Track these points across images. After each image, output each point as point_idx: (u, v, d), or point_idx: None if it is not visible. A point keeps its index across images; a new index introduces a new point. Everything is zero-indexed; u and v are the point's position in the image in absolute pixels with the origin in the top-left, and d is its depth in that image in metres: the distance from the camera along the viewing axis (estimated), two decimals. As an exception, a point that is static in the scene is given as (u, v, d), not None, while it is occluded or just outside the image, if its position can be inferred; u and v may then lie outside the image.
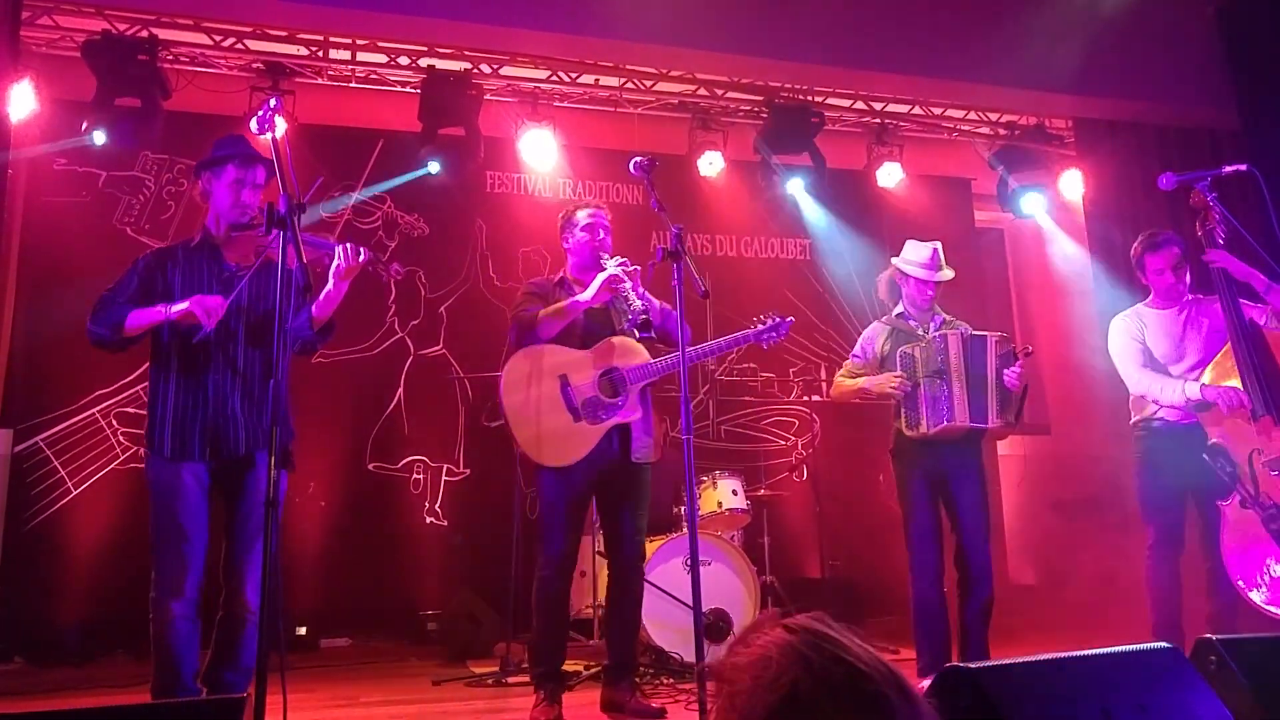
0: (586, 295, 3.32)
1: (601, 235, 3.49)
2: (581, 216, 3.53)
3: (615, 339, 3.41)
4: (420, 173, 5.78)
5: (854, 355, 3.88)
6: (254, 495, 2.71)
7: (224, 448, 2.74)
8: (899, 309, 3.84)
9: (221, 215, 2.88)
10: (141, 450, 5.21)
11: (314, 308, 2.88)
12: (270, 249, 2.69)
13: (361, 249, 2.83)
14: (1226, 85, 5.99)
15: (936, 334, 3.64)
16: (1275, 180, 3.21)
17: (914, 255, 3.79)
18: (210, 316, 2.66)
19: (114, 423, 5.28)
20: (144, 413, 5.18)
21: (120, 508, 5.12)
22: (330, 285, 2.85)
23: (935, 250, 3.78)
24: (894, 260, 3.85)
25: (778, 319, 3.47)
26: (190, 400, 2.74)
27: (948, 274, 3.79)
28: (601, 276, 3.31)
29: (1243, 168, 3.23)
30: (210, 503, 2.76)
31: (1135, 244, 3.83)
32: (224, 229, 2.87)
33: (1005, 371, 3.56)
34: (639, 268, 3.35)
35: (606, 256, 3.41)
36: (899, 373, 3.62)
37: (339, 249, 2.81)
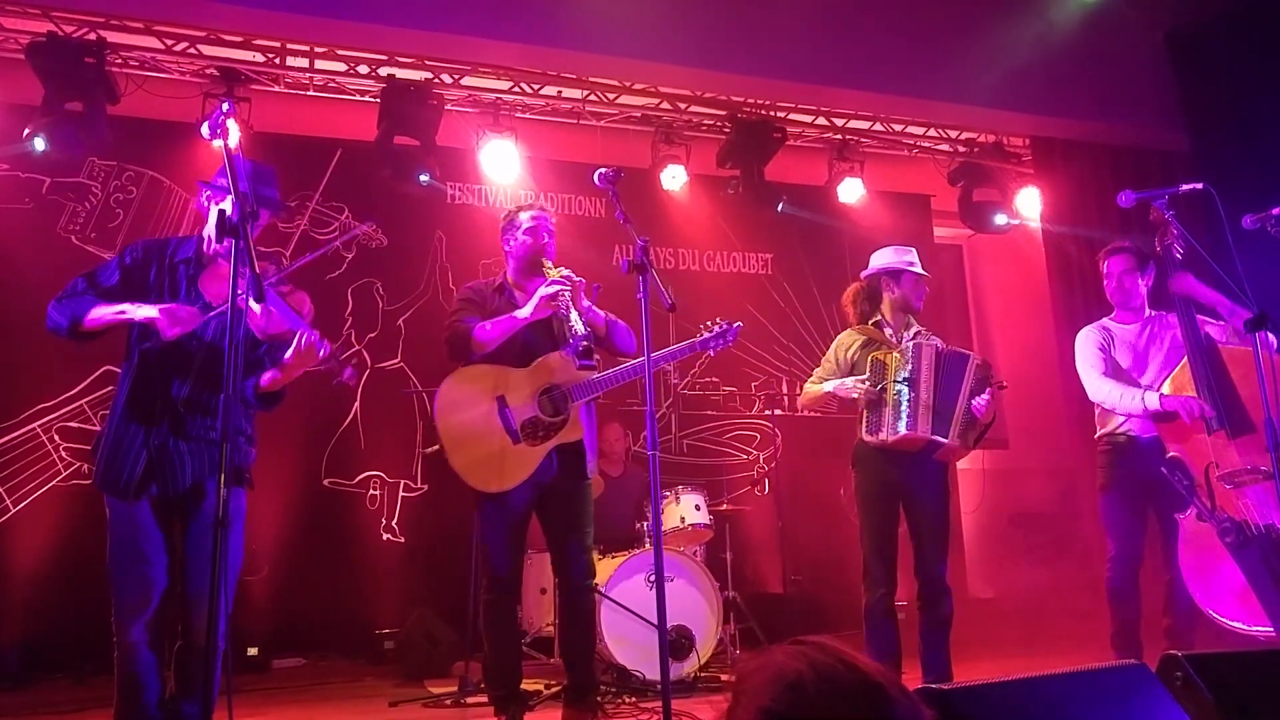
0: (525, 312, 3.19)
1: (545, 239, 3.34)
2: (524, 219, 3.37)
3: (555, 354, 3.26)
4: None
5: (824, 361, 3.86)
6: (207, 518, 2.56)
7: (169, 485, 2.62)
8: (876, 317, 3.81)
9: (215, 240, 2.66)
10: (85, 466, 5.08)
11: (263, 377, 2.71)
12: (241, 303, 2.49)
13: (324, 345, 2.62)
14: (1176, 108, 6.16)
15: (911, 342, 3.63)
16: (1227, 199, 3.27)
17: (905, 255, 3.76)
18: (174, 328, 2.52)
19: (55, 438, 5.09)
20: (88, 427, 5.10)
21: (62, 526, 4.93)
22: (288, 359, 2.65)
23: (905, 250, 3.79)
24: (887, 262, 3.77)
25: (725, 325, 3.37)
26: (133, 433, 2.62)
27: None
28: (541, 292, 3.17)
29: (1199, 186, 3.29)
30: (164, 528, 2.64)
31: None
32: (213, 250, 2.70)
33: (977, 397, 3.54)
34: (583, 280, 3.21)
35: (550, 264, 3.26)
36: (865, 377, 3.61)
37: (300, 336, 2.60)
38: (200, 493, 2.66)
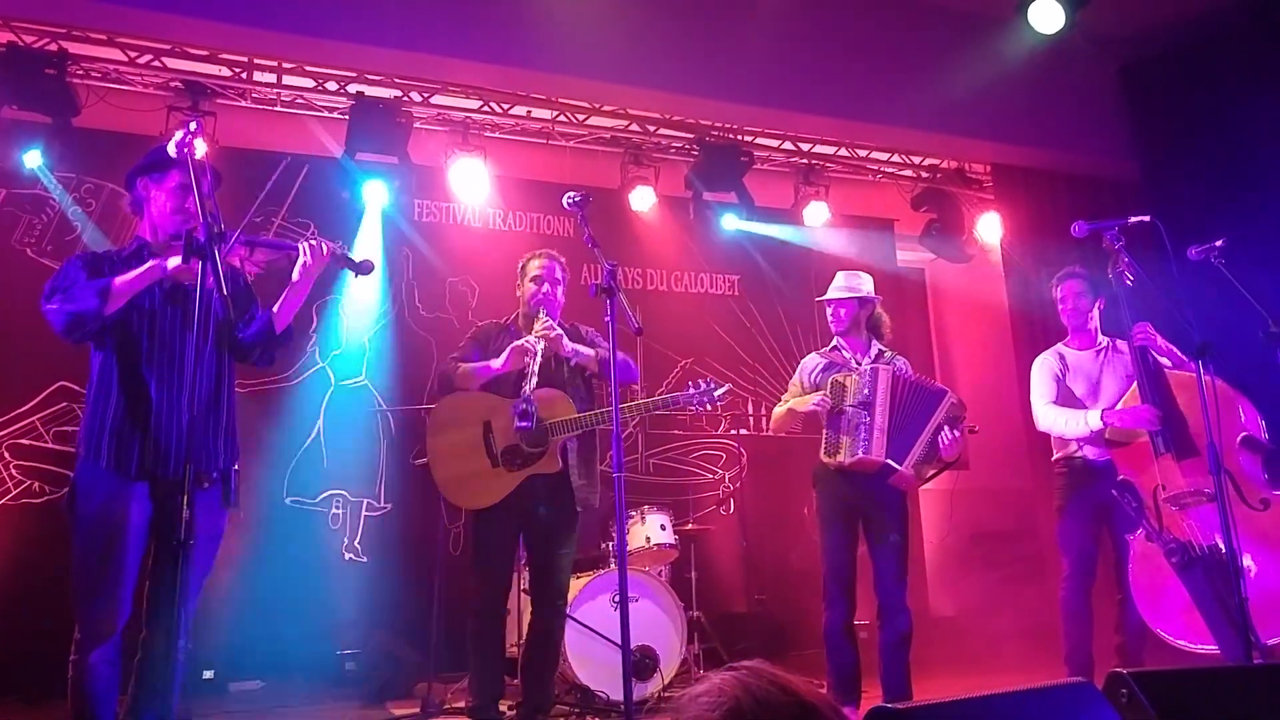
0: (497, 363, 3.42)
1: (546, 288, 3.52)
2: (532, 267, 3.59)
3: (543, 390, 3.41)
4: None
5: (790, 385, 3.94)
6: (190, 529, 2.52)
7: (165, 466, 2.53)
8: (834, 342, 3.91)
9: (161, 225, 2.68)
10: (36, 484, 4.97)
11: (275, 310, 2.71)
12: (229, 257, 2.49)
13: (325, 243, 2.68)
14: (1130, 140, 6.34)
15: (870, 366, 3.70)
16: (1174, 230, 3.38)
17: (850, 280, 3.89)
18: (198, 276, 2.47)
19: (5, 455, 4.94)
20: (40, 444, 4.98)
21: (11, 545, 4.75)
22: (296, 279, 2.68)
23: (844, 274, 3.89)
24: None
25: (712, 384, 3.56)
26: (135, 411, 2.52)
27: (862, 291, 3.84)
28: (510, 346, 3.40)
29: (1146, 218, 3.40)
30: (147, 536, 2.55)
31: None
32: (164, 238, 2.66)
33: (944, 433, 3.58)
34: (562, 334, 3.42)
35: (542, 313, 3.45)
36: (825, 393, 3.66)
37: (303, 246, 2.65)
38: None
